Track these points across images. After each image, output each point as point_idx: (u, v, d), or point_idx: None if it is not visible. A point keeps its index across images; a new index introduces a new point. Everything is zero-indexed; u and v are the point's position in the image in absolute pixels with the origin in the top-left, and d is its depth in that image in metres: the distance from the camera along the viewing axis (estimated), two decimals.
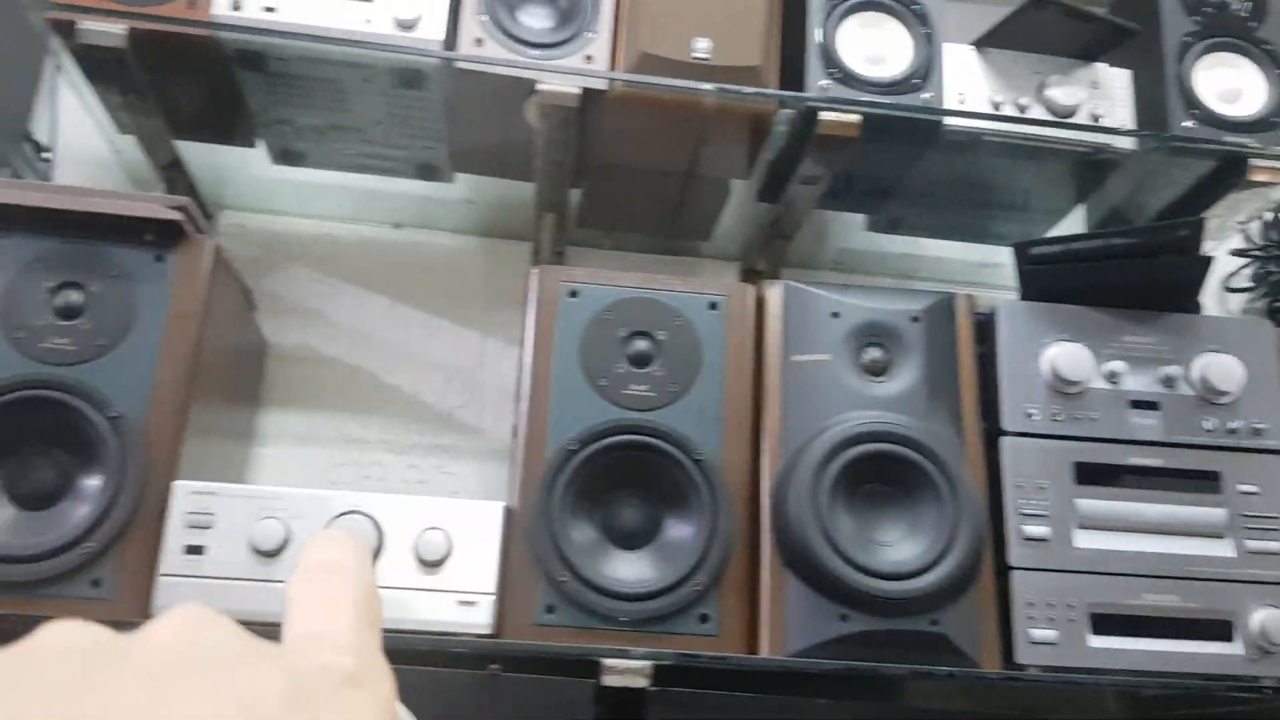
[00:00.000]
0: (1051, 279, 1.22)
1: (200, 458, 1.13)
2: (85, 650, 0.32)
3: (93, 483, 1.03)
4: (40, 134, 1.48)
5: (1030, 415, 1.15)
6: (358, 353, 1.49)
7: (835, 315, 1.18)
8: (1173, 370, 1.18)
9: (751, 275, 1.61)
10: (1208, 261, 1.19)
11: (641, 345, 1.15)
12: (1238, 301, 1.67)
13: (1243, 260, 1.64)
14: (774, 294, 1.19)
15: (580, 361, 1.14)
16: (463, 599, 1.03)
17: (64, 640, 0.32)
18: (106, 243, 1.10)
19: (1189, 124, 1.29)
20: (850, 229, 1.59)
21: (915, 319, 1.18)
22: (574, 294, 1.17)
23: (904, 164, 1.38)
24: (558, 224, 1.51)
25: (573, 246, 1.60)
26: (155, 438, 1.05)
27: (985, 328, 1.21)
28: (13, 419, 1.03)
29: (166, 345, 1.08)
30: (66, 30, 1.16)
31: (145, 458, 1.04)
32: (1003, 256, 1.58)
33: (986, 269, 1.61)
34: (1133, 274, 1.19)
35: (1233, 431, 1.16)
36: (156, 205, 1.11)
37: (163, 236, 1.11)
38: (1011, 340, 1.19)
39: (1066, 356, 1.17)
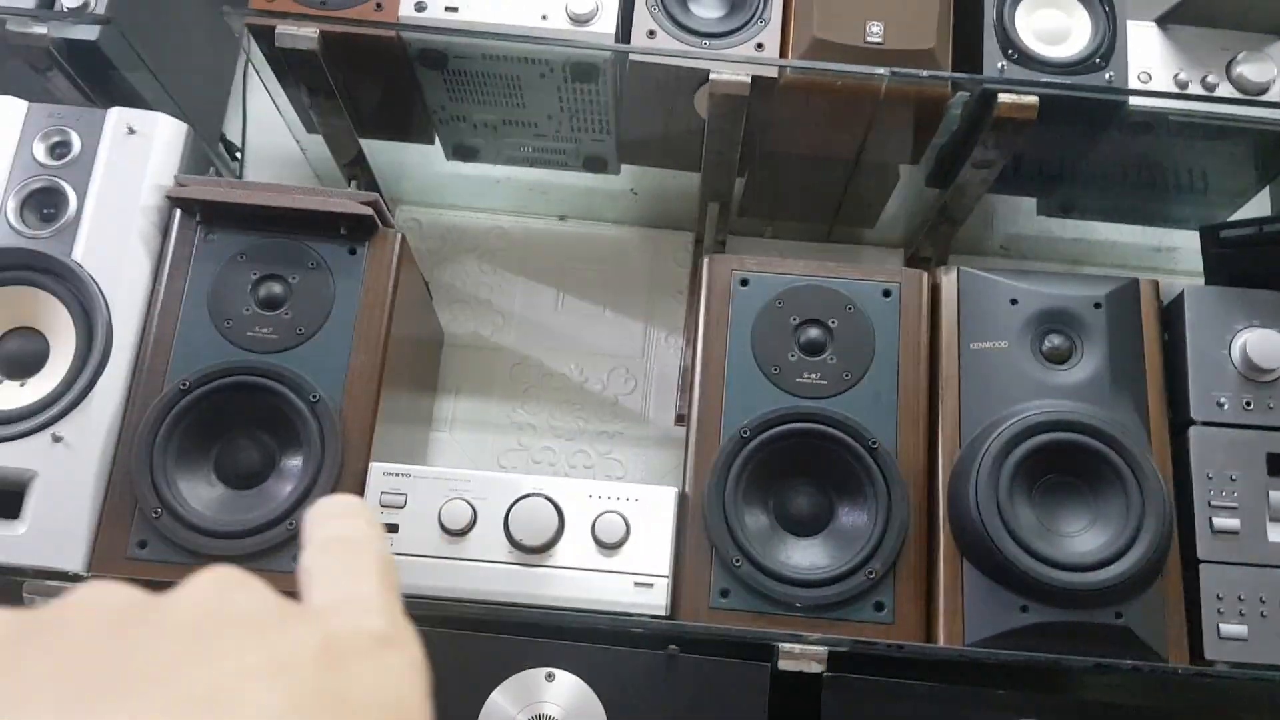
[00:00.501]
0: (1241, 262, 1.18)
1: (389, 440, 1.18)
2: (119, 608, 0.32)
3: (294, 463, 1.09)
4: (232, 135, 1.57)
5: (1220, 404, 1.11)
6: (527, 342, 1.53)
7: (1014, 302, 1.16)
8: None
9: (917, 262, 1.59)
10: None
11: (813, 333, 1.15)
12: None
13: None
14: (949, 280, 1.18)
15: (752, 349, 1.15)
16: (639, 580, 1.05)
17: (98, 598, 0.32)
18: (304, 237, 1.16)
19: None
20: (1018, 213, 1.56)
21: (1098, 305, 1.15)
22: (745, 282, 1.18)
23: (1081, 146, 1.35)
24: (721, 214, 1.52)
25: (733, 236, 1.61)
26: (351, 421, 1.11)
27: (1171, 314, 1.17)
28: (222, 403, 1.09)
29: (360, 333, 1.13)
30: (264, 34, 1.23)
31: (342, 440, 1.09)
32: (1178, 240, 1.54)
33: (1161, 254, 1.56)
34: None
35: None
36: (349, 200, 1.16)
37: (355, 230, 1.17)
38: (1199, 326, 1.15)
39: (1258, 343, 1.12)
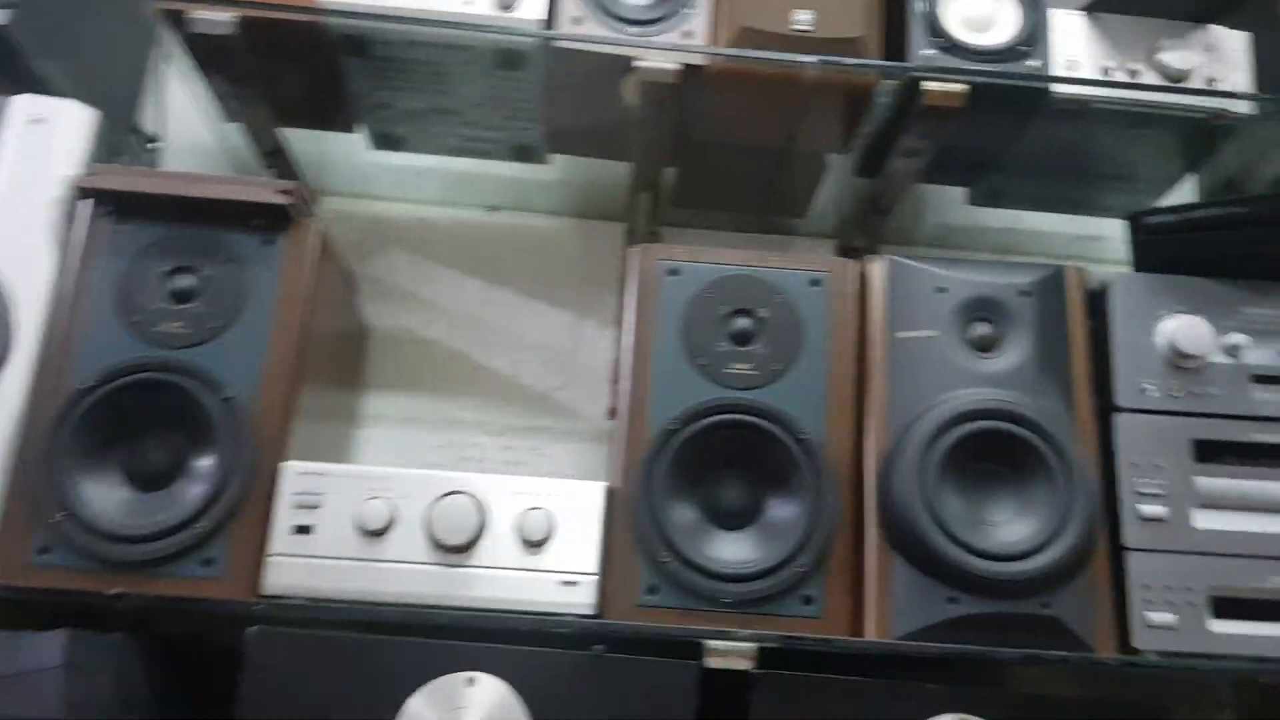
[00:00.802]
0: (1167, 250, 1.18)
1: (308, 439, 1.15)
2: None
3: (205, 463, 1.05)
4: (147, 123, 1.52)
5: (1146, 391, 1.12)
6: (455, 335, 1.50)
7: (941, 290, 1.15)
8: None
9: (848, 252, 1.58)
10: None
11: (743, 323, 1.13)
12: None
13: None
14: (877, 269, 1.17)
15: (681, 340, 1.13)
16: (565, 579, 1.03)
17: None
18: (218, 228, 1.13)
19: None
20: (949, 203, 1.55)
21: (1025, 293, 1.15)
22: (674, 272, 1.16)
23: (1009, 134, 1.34)
24: (652, 204, 1.50)
25: (667, 226, 1.59)
26: (265, 419, 1.07)
27: (1098, 301, 1.17)
28: (129, 401, 1.05)
29: (276, 328, 1.10)
30: (177, 20, 1.19)
31: (256, 439, 1.06)
32: (1106, 229, 1.54)
33: (1089, 242, 1.56)
34: (1253, 243, 1.15)
35: None
36: (266, 189, 1.12)
37: (272, 221, 1.13)
38: (1126, 313, 1.15)
39: (1184, 329, 1.12)
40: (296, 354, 1.10)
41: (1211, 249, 1.15)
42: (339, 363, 1.36)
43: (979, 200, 1.50)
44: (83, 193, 1.11)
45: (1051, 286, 1.16)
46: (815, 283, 1.16)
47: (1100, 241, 1.56)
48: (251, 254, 1.12)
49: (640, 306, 1.15)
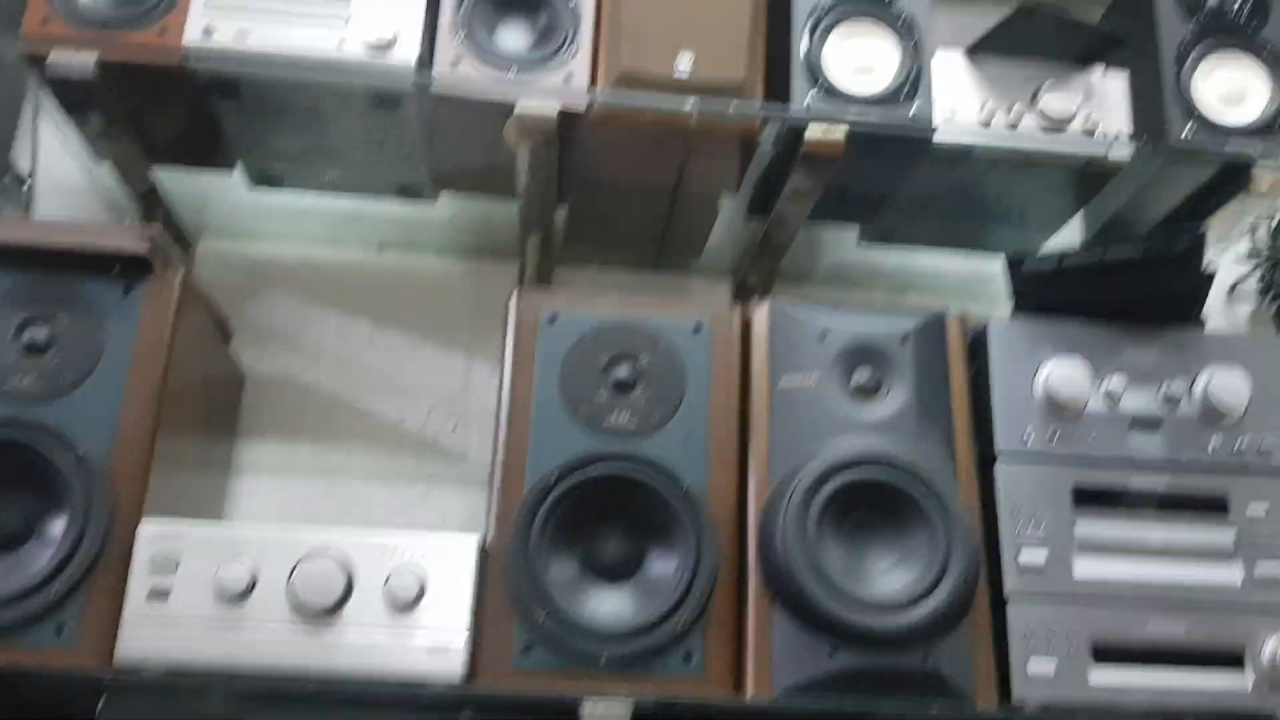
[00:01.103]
0: (1046, 294, 1.18)
1: (173, 492, 1.11)
2: None
3: (58, 525, 1.00)
4: (23, 164, 1.46)
5: (1025, 438, 1.11)
6: (339, 380, 1.46)
7: (823, 337, 1.14)
8: (1175, 387, 1.14)
9: (744, 291, 1.57)
10: (1210, 276, 1.15)
11: (623, 372, 1.11)
12: (1244, 309, 1.63)
13: (1248, 266, 1.60)
14: (760, 316, 1.15)
15: (560, 389, 1.10)
16: (434, 645, 0.99)
17: None
18: (74, 277, 1.08)
19: (1188, 132, 1.25)
20: (843, 242, 1.55)
21: (905, 339, 1.14)
22: (553, 319, 1.14)
23: (895, 176, 1.34)
24: (544, 243, 1.48)
25: (560, 266, 1.57)
26: (121, 476, 1.03)
27: (978, 346, 1.17)
28: None
29: (133, 380, 1.06)
30: (39, 63, 1.14)
31: (111, 498, 1.01)
32: (998, 269, 1.55)
33: (983, 282, 1.57)
34: (1131, 288, 1.15)
35: (1239, 451, 1.12)
36: (125, 237, 1.08)
37: (130, 269, 1.09)
38: (1004, 358, 1.15)
39: (1062, 374, 1.13)
40: (155, 407, 1.05)
41: (1089, 293, 1.16)
42: (208, 412, 1.31)
43: (869, 238, 1.50)
44: None
45: (932, 332, 1.15)
46: (697, 329, 1.14)
47: (994, 281, 1.57)
48: (109, 304, 1.08)
49: (518, 355, 1.12)
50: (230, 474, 1.38)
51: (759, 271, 1.53)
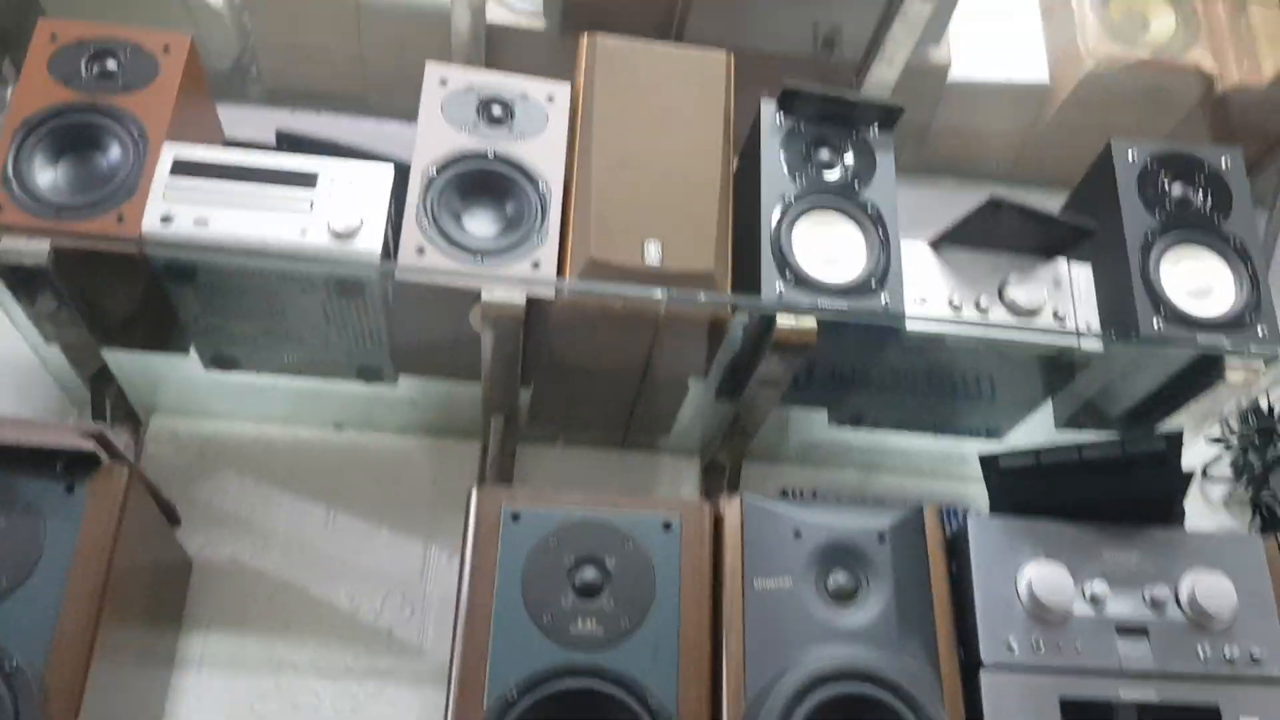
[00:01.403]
0: (1023, 492, 1.16)
1: (111, 699, 1.03)
2: None
3: None
4: None
5: (1010, 646, 1.07)
6: (291, 565, 1.39)
7: (797, 535, 1.10)
8: (1160, 591, 1.11)
9: (712, 470, 1.54)
10: (1189, 477, 1.14)
11: (589, 574, 1.06)
12: (1217, 490, 1.61)
13: (1219, 449, 1.59)
14: (732, 512, 1.11)
15: (523, 593, 1.05)
16: None
17: None
18: (15, 474, 1.03)
19: (1159, 324, 1.25)
20: (812, 420, 1.53)
21: (882, 538, 1.11)
22: (516, 517, 1.09)
23: (865, 362, 1.33)
24: (507, 423, 1.44)
25: (523, 445, 1.53)
26: (56, 690, 0.96)
27: (957, 544, 1.14)
28: None
29: (73, 583, 1.00)
30: None
31: (44, 713, 0.94)
32: (969, 449, 1.53)
33: (954, 461, 1.55)
34: (1109, 487, 1.13)
35: (1229, 660, 1.08)
36: (69, 434, 1.03)
37: (75, 466, 1.04)
38: (985, 560, 1.11)
39: (1044, 579, 1.09)
40: (96, 611, 1.00)
41: (1066, 491, 1.14)
42: (155, 604, 1.24)
43: (840, 421, 1.48)
44: None
45: (910, 529, 1.12)
46: (667, 526, 1.10)
47: (965, 461, 1.55)
48: (51, 503, 1.03)
49: (477, 555, 1.07)
50: (174, 668, 1.30)
51: (729, 451, 1.50)
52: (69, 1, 1.52)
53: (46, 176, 1.17)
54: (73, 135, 1.19)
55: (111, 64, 1.22)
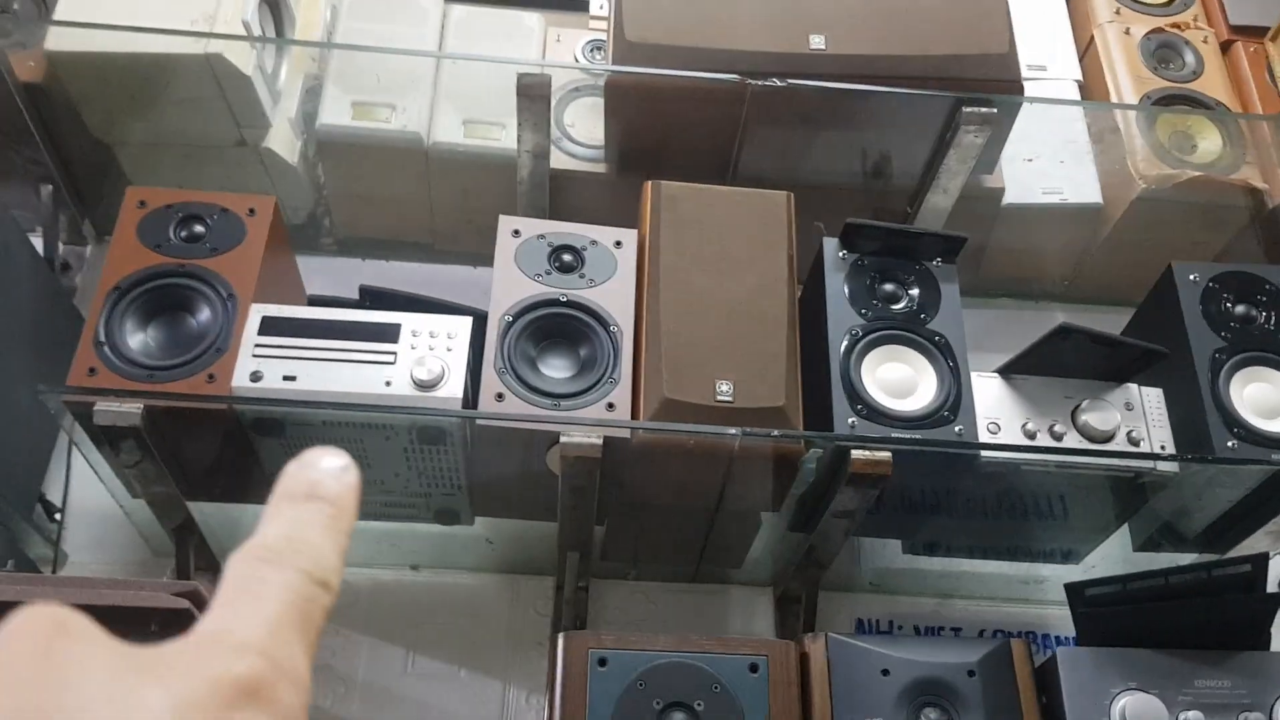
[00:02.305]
0: (1111, 620, 1.15)
1: None
2: None
3: None
4: (55, 493, 1.46)
5: None
6: (372, 712, 1.40)
7: (885, 673, 1.10)
8: (1254, 717, 1.09)
9: (785, 601, 1.53)
10: (1276, 599, 1.12)
11: (678, 718, 1.06)
12: None
13: None
14: (817, 650, 1.12)
15: None
16: None
17: None
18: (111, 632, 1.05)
19: (1232, 443, 1.25)
20: (886, 549, 1.53)
21: (971, 673, 1.10)
22: (603, 662, 1.10)
23: (939, 492, 1.34)
24: (582, 559, 1.45)
25: (596, 579, 1.54)
26: None
27: (1046, 675, 1.13)
28: None
29: None
30: (82, 410, 1.15)
31: None
32: (1046, 572, 1.52)
33: (1030, 585, 1.54)
34: (1196, 614, 1.12)
35: None
36: (162, 594, 1.06)
37: (168, 624, 1.05)
38: (1076, 692, 1.10)
39: (1138, 710, 1.08)
40: None
41: (1153, 619, 1.12)
42: None
43: (914, 550, 1.47)
44: None
45: (998, 663, 1.11)
46: (754, 668, 1.10)
47: (1043, 584, 1.54)
48: None
49: (567, 703, 1.08)
50: None
51: (802, 582, 1.50)
52: (150, 164, 1.60)
53: (138, 339, 1.22)
54: (163, 298, 1.24)
55: (199, 228, 1.28)
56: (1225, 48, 1.76)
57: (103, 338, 1.20)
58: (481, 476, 1.33)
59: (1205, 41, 1.73)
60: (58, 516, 1.44)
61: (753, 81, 1.42)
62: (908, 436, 1.21)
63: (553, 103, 1.50)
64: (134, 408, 1.14)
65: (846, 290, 1.30)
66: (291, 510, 0.35)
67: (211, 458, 1.29)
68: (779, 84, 1.42)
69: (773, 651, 1.11)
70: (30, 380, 1.17)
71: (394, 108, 1.56)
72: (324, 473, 0.35)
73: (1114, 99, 1.68)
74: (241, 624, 0.31)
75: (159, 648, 0.29)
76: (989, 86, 1.46)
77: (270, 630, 0.30)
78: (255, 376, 1.18)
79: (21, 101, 1.44)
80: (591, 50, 1.68)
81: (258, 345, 1.20)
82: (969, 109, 1.44)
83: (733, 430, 1.20)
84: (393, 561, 1.52)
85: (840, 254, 1.33)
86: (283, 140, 1.56)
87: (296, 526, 0.35)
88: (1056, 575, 1.49)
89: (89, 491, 1.42)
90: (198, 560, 1.42)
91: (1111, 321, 1.50)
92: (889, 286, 1.31)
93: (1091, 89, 1.74)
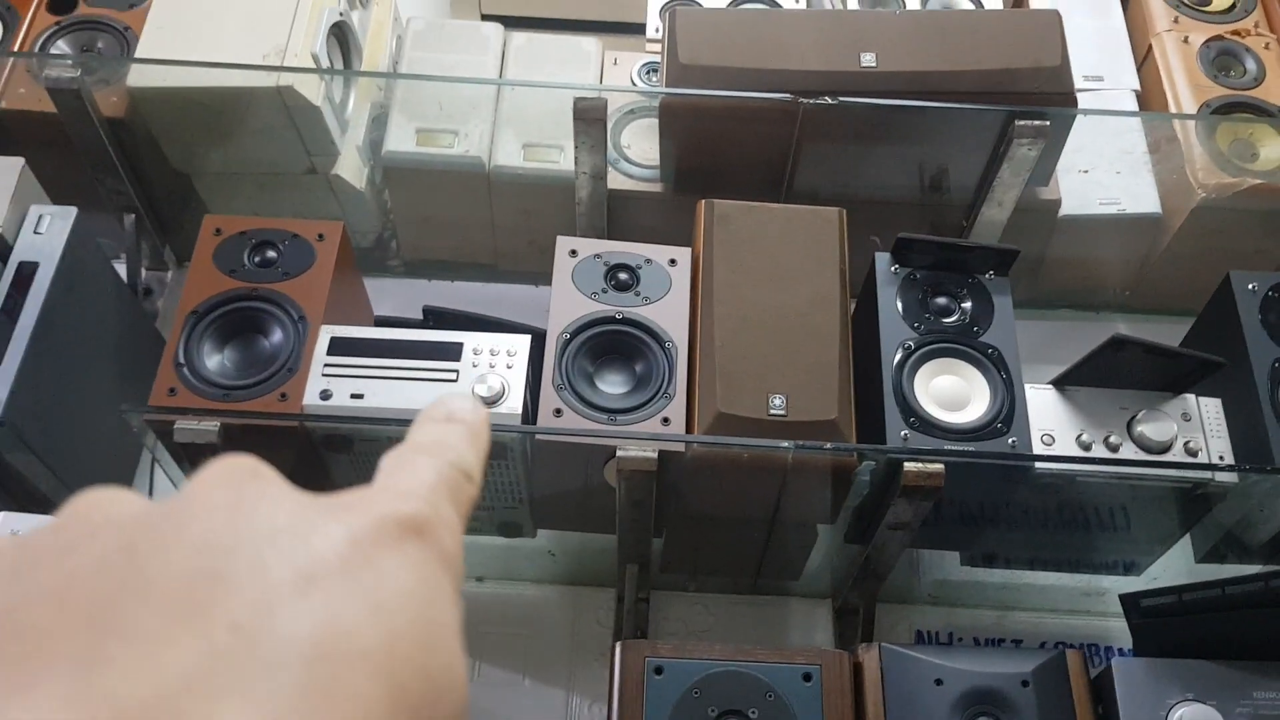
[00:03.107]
0: (1167, 631, 1.14)
1: None
2: (124, 525, 0.29)
3: None
4: None
5: None
6: None
7: (939, 682, 1.11)
8: None
9: (845, 613, 1.55)
10: None
11: None
12: None
13: None
14: (870, 660, 1.13)
15: None
16: None
17: (101, 514, 0.30)
18: None
19: None
20: (944, 561, 1.53)
21: (1025, 683, 1.11)
22: (659, 671, 1.12)
23: (994, 503, 1.34)
24: (641, 571, 1.48)
25: (656, 591, 1.56)
26: None
27: (1102, 686, 1.13)
28: None
29: None
30: (164, 427, 1.21)
31: None
32: (1107, 584, 1.51)
33: (1091, 597, 1.53)
34: (1254, 625, 1.11)
35: None
36: None
37: None
38: (1132, 703, 1.10)
39: None
40: None
41: (1211, 629, 1.12)
42: None
43: (972, 562, 1.48)
44: None
45: (1053, 673, 1.12)
46: (807, 677, 1.12)
47: (1104, 596, 1.53)
48: None
49: (624, 710, 1.10)
50: None
51: (861, 594, 1.51)
52: (226, 192, 1.67)
53: (215, 360, 1.28)
54: (238, 321, 1.30)
55: (271, 253, 1.34)
56: None
57: (182, 359, 1.26)
58: (542, 490, 1.36)
59: (1267, 48, 1.72)
60: None
61: (804, 100, 1.44)
62: (960, 449, 1.22)
63: (609, 125, 1.54)
64: (211, 425, 1.20)
65: (899, 304, 1.32)
66: (433, 426, 0.39)
67: (285, 474, 1.34)
68: (830, 102, 1.44)
69: (826, 661, 1.13)
70: (115, 401, 1.23)
71: (456, 133, 1.61)
72: (459, 403, 0.40)
73: (1172, 108, 1.67)
74: (405, 481, 0.35)
75: (336, 495, 0.33)
76: (1042, 99, 1.46)
77: (430, 489, 0.34)
78: (325, 395, 1.23)
79: (106, 135, 1.52)
80: (647, 72, 1.71)
81: (327, 365, 1.25)
82: (1021, 122, 1.44)
83: (785, 443, 1.22)
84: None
85: (892, 268, 1.34)
86: (351, 167, 1.62)
87: (441, 433, 0.38)
88: (1117, 586, 1.48)
89: None
90: None
91: (1173, 332, 1.49)
92: (941, 300, 1.33)
93: (1150, 98, 1.74)
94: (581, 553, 1.52)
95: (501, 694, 1.47)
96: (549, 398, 1.24)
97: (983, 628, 1.55)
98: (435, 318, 1.37)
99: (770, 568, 1.50)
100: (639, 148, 1.64)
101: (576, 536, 1.49)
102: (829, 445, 1.23)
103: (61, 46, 1.62)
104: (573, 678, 1.49)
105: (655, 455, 1.22)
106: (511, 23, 1.77)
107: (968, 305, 1.32)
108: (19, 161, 1.38)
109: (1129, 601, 1.17)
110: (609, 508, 1.33)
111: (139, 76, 1.48)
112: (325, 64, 1.51)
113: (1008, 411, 1.25)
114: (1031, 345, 1.38)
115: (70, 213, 1.36)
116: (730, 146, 1.54)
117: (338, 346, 1.26)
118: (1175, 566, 1.45)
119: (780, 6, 1.79)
